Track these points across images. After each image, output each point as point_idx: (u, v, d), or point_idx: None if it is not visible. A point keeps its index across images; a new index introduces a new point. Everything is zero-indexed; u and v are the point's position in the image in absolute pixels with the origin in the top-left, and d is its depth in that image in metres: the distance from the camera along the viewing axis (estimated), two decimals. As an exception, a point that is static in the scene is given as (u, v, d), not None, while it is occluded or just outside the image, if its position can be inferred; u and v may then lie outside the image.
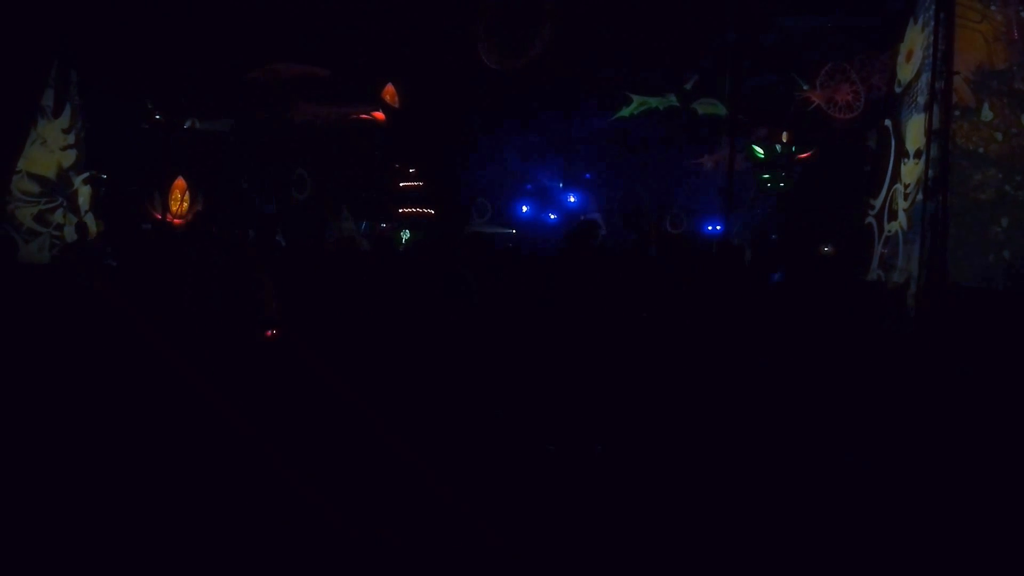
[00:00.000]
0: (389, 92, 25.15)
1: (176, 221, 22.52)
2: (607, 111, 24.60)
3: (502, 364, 6.99)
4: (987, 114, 9.15)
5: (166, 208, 22.70)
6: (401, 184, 25.69)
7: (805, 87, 22.57)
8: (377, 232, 23.48)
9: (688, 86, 23.80)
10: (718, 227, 22.12)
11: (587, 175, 25.50)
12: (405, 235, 23.77)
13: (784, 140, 23.22)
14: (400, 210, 25.41)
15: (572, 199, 25.35)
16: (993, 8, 9.29)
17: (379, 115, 25.17)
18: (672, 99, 24.00)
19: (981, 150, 9.08)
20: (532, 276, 8.84)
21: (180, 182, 23.28)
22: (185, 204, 23.39)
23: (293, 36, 22.10)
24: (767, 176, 23.18)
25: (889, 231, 9.39)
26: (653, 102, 24.22)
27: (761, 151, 23.41)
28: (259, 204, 24.32)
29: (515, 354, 7.03)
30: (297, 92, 24.07)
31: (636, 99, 24.33)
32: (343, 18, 21.59)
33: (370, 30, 22.00)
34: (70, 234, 14.93)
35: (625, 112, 24.51)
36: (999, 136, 9.11)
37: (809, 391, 6.00)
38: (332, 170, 24.84)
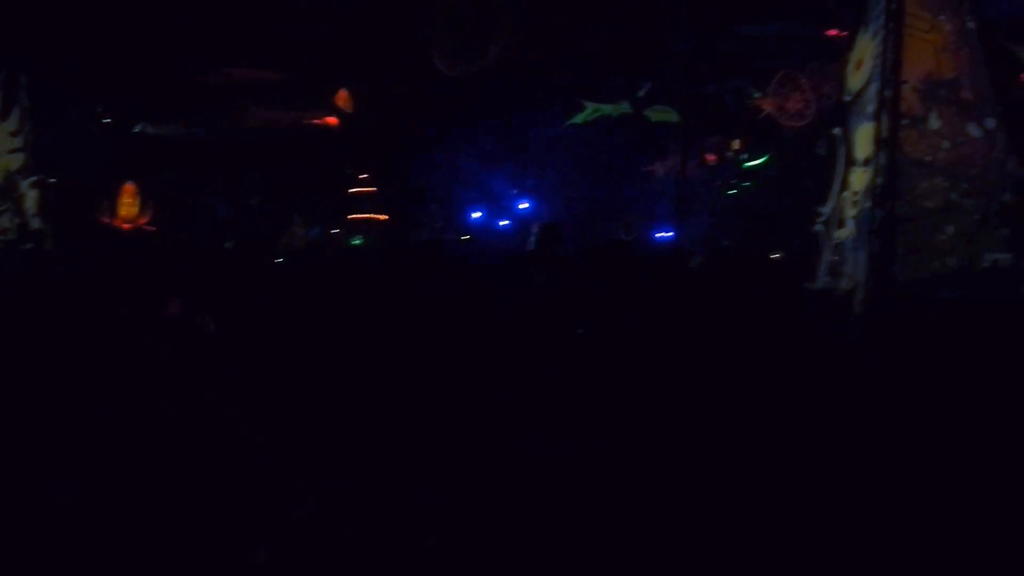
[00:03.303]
0: (343, 97, 25.09)
1: (125, 226, 22.33)
2: (561, 118, 24.66)
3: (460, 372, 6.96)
4: (934, 123, 9.25)
5: (115, 213, 22.51)
6: (353, 190, 25.62)
7: (757, 95, 22.74)
8: (326, 238, 23.41)
9: (641, 93, 23.90)
10: (670, 234, 22.21)
11: (540, 181, 25.54)
12: (356, 241, 23.71)
13: (735, 147, 23.39)
14: (352, 216, 25.34)
15: (525, 205, 25.38)
16: (942, 18, 9.39)
17: (332, 120, 25.09)
18: (625, 106, 24.09)
19: (928, 158, 9.17)
20: (486, 283, 8.84)
21: (130, 187, 23.08)
22: (135, 209, 23.19)
23: (246, 40, 21.96)
24: (719, 183, 23.30)
25: (837, 238, 9.46)
26: (606, 109, 24.31)
27: (714, 157, 23.55)
28: (212, 209, 24.16)
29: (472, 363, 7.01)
30: (250, 96, 23.95)
31: (589, 106, 24.41)
32: (297, 22, 21.49)
33: (324, 35, 21.91)
34: (16, 238, 14.73)
35: (578, 119, 24.58)
36: (946, 145, 9.21)
37: (755, 397, 6.02)
38: (285, 175, 24.73)
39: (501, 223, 25.61)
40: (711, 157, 23.83)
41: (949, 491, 5.14)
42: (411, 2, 20.96)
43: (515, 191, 25.76)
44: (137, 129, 24.09)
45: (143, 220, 23.16)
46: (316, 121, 25.25)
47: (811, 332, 7.49)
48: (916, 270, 8.91)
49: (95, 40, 19.48)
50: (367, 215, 25.28)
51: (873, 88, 8.95)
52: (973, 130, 9.22)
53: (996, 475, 5.25)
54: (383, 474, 5.64)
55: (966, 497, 5.07)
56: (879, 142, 8.66)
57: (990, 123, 9.21)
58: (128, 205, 23.02)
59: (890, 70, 8.69)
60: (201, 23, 20.56)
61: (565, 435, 6.07)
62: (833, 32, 19.60)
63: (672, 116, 23.65)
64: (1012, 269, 8.89)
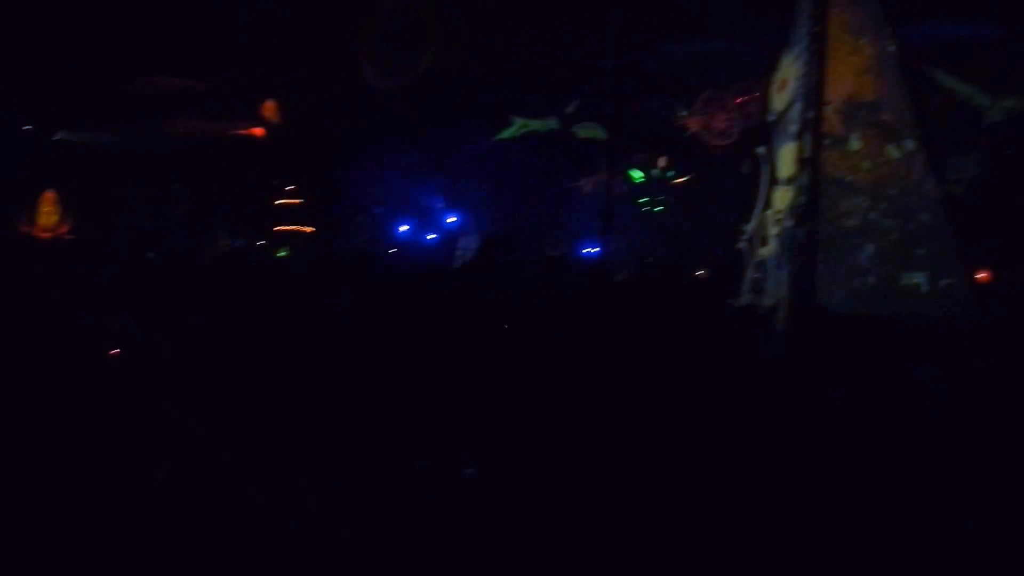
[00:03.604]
0: (269, 108, 24.90)
1: (44, 235, 21.93)
2: (489, 133, 24.71)
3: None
4: (855, 144, 9.41)
5: (34, 222, 22.11)
6: (279, 201, 25.41)
7: (683, 113, 22.99)
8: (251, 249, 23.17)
9: (569, 109, 24.03)
10: (595, 250, 22.33)
11: (468, 196, 25.55)
12: (282, 253, 23.49)
13: (661, 165, 23.63)
14: (278, 227, 25.12)
15: (452, 219, 25.37)
16: (863, 42, 9.56)
17: (258, 131, 24.88)
18: (553, 122, 24.21)
19: (849, 178, 9.33)
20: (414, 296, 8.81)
21: (49, 195, 22.67)
22: (54, 218, 22.78)
23: (172, 49, 21.72)
24: (644, 200, 23.52)
25: (760, 256, 9.57)
26: (534, 124, 24.40)
27: (639, 174, 23.76)
28: (133, 219, 23.80)
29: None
30: (175, 105, 23.66)
31: (517, 121, 24.49)
32: (223, 32, 21.31)
33: (251, 45, 21.75)
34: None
35: (506, 134, 24.65)
36: (866, 165, 9.38)
37: (677, 411, 6.07)
38: (209, 185, 24.46)
39: (428, 236, 25.57)
40: (637, 174, 24.01)
41: (863, 499, 5.23)
42: (340, 14, 20.89)
43: (442, 205, 25.74)
44: (58, 137, 23.66)
45: (63, 229, 22.76)
46: (242, 131, 25.02)
47: (734, 348, 7.57)
48: (837, 288, 9.04)
49: (16, 46, 19.15)
50: (293, 227, 25.08)
51: (796, 109, 9.09)
52: (893, 151, 9.39)
53: (909, 484, 5.36)
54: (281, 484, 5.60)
55: (879, 504, 5.16)
56: (801, 162, 8.79)
57: (909, 144, 9.38)
58: (48, 214, 22.60)
59: (813, 91, 8.84)
60: (125, 31, 20.31)
61: (494, 443, 6.08)
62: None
63: (599, 133, 23.82)
64: (929, 289, 9.06)
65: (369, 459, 5.95)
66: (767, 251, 9.45)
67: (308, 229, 25.21)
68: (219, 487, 5.56)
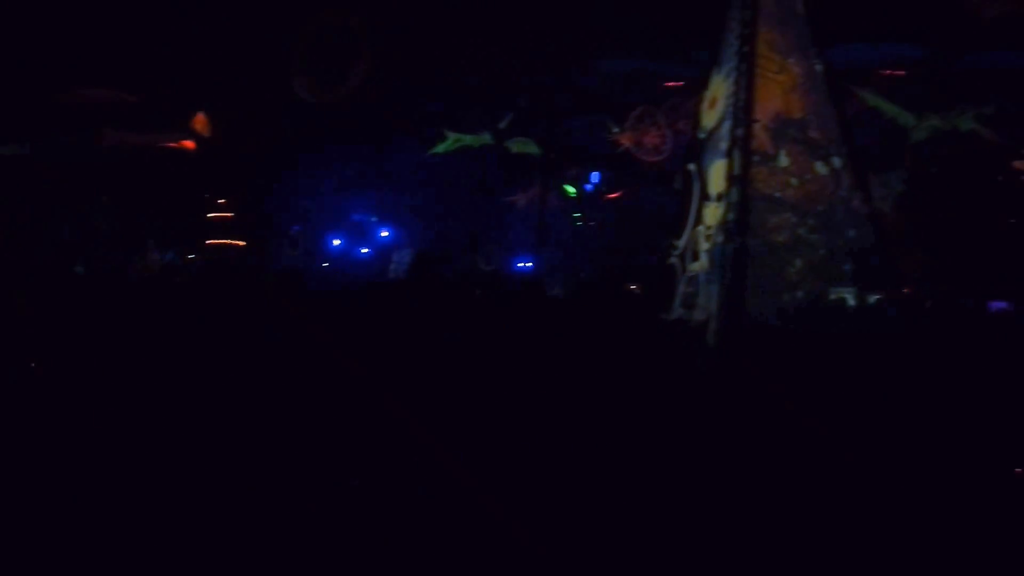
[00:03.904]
0: (200, 120, 24.68)
1: (-31, 247, 21.52)
2: (422, 147, 24.73)
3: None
4: (784, 160, 9.56)
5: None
6: (211, 215, 25.19)
7: (615, 129, 23.19)
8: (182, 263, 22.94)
9: (503, 125, 24.14)
10: (529, 264, 22.42)
11: (402, 210, 25.53)
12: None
13: (594, 181, 23.81)
14: (209, 241, 24.89)
15: (385, 234, 25.32)
16: (791, 61, 9.73)
17: (189, 144, 24.66)
18: (487, 137, 24.30)
19: (778, 194, 9.48)
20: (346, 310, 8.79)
21: (-26, 207, 22.27)
22: (-21, 230, 22.37)
23: (102, 60, 21.47)
24: (578, 214, 23.69)
25: (692, 271, 9.66)
26: (468, 139, 24.48)
27: (572, 189, 23.92)
28: (57, 231, 23.44)
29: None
30: (104, 117, 23.37)
31: (451, 136, 24.55)
32: (154, 44, 21.11)
33: (182, 57, 21.57)
34: None
35: (440, 148, 24.70)
36: (794, 181, 9.53)
37: (607, 426, 6.12)
38: (139, 198, 24.17)
39: (362, 251, 25.49)
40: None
41: (793, 514, 5.32)
42: (273, 27, 20.80)
43: (376, 219, 25.68)
44: (-16, 148, 23.27)
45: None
46: (172, 144, 24.78)
47: (665, 362, 7.65)
48: (767, 303, 9.17)
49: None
50: (224, 240, 24.87)
51: (726, 126, 9.20)
52: (820, 168, 9.56)
53: (837, 498, 5.46)
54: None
55: (809, 519, 5.25)
56: (731, 178, 8.91)
57: (836, 162, 9.55)
58: (-28, 226, 22.22)
59: (742, 109, 8.96)
60: (54, 42, 20.04)
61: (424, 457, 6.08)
62: (670, 84, 20.25)
63: (532, 148, 23.96)
64: (856, 304, 9.23)
65: (296, 478, 5.91)
66: (698, 266, 9.54)
67: (239, 243, 25.02)
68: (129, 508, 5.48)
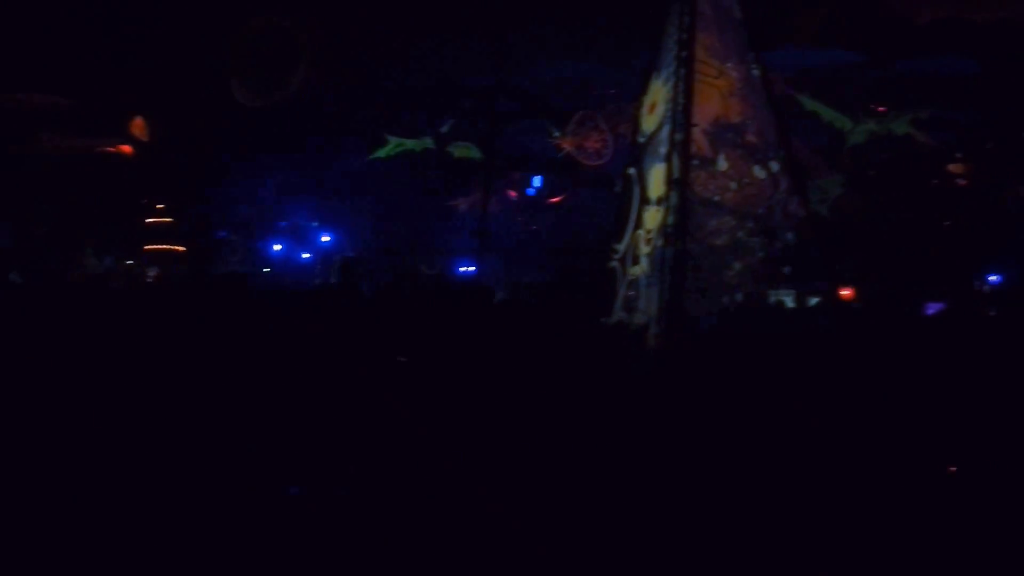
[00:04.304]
0: (138, 125, 24.42)
1: None
2: (364, 151, 24.66)
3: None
4: (722, 164, 9.62)
5: None
6: (149, 220, 24.92)
7: (557, 134, 23.27)
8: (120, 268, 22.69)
9: (444, 129, 24.14)
10: (472, 268, 22.41)
11: (343, 214, 25.43)
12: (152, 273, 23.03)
13: (536, 185, 23.88)
14: (148, 247, 24.62)
15: (327, 238, 25.21)
16: (728, 65, 9.80)
17: (126, 148, 24.39)
18: (428, 141, 24.31)
19: (717, 198, 9.54)
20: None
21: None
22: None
23: (36, 64, 21.17)
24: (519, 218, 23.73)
25: (632, 274, 9.69)
26: (409, 144, 24.46)
27: (515, 193, 23.95)
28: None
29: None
30: (40, 122, 23.06)
31: (392, 140, 24.51)
32: (90, 47, 20.86)
33: (119, 60, 21.33)
34: None
35: (381, 153, 24.65)
36: (733, 185, 9.60)
37: (549, 428, 6.14)
38: (76, 204, 23.85)
39: (303, 255, 25.35)
40: (512, 193, 24.24)
41: (730, 512, 5.37)
42: (210, 31, 20.63)
43: (317, 223, 25.55)
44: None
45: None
46: (109, 149, 24.50)
47: (606, 365, 7.68)
48: (706, 306, 9.23)
49: None
50: (164, 246, 24.62)
51: (665, 130, 9.27)
52: (758, 172, 9.64)
53: (772, 496, 5.52)
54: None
55: (744, 518, 5.30)
56: (671, 182, 8.98)
57: (774, 166, 9.64)
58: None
59: (681, 114, 9.04)
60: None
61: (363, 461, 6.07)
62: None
63: (474, 152, 23.98)
64: (795, 305, 9.33)
65: (235, 484, 5.87)
66: (638, 270, 9.59)
67: (179, 248, 24.79)
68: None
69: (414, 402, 6.77)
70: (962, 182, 23.53)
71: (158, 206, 25.20)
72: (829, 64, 23.46)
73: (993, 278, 20.89)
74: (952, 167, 23.56)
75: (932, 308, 12.56)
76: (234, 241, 25.62)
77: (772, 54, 12.64)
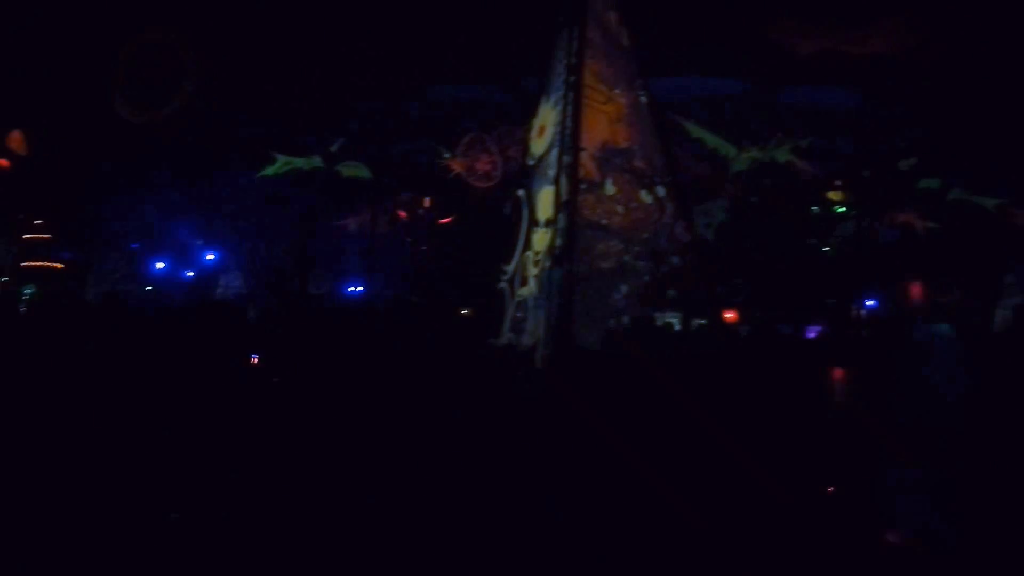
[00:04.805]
0: (15, 139, 23.78)
1: None
2: (251, 169, 24.40)
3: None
4: (610, 188, 9.75)
5: None
6: (26, 236, 24.26)
7: (447, 155, 23.33)
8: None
9: (333, 148, 24.02)
10: (360, 288, 22.29)
11: (228, 232, 25.07)
12: (29, 290, 22.36)
13: (426, 205, 23.88)
14: (25, 264, 23.95)
15: (211, 257, 24.82)
16: (617, 91, 9.94)
17: (3, 162, 23.73)
18: (317, 160, 24.15)
19: (604, 221, 9.66)
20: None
21: None
22: None
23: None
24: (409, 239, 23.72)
25: (520, 296, 9.74)
26: (298, 162, 24.27)
27: (406, 214, 23.91)
28: None
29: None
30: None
31: (281, 159, 24.30)
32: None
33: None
34: None
35: (269, 171, 24.41)
36: (620, 209, 9.73)
37: (437, 447, 6.13)
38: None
39: (187, 273, 24.92)
40: (402, 214, 24.20)
41: (613, 534, 5.44)
42: (93, 44, 20.22)
43: (201, 242, 25.13)
44: None
45: None
46: (-14, 163, 23.84)
47: (494, 385, 7.69)
48: (593, 328, 9.30)
49: None
50: (41, 263, 23.98)
51: (554, 154, 9.35)
52: (645, 196, 9.79)
53: (656, 515, 5.62)
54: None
55: (630, 537, 5.38)
56: (559, 205, 9.05)
57: (661, 191, 9.79)
58: None
59: (569, 137, 9.13)
60: None
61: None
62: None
63: (363, 172, 23.90)
64: (680, 328, 9.47)
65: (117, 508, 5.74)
66: (527, 291, 9.64)
67: (58, 266, 24.19)
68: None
69: (288, 424, 6.70)
70: (840, 209, 24.19)
71: (36, 222, 24.56)
72: (715, 92, 24.00)
73: (869, 302, 21.49)
74: (831, 194, 24.20)
75: (811, 332, 12.87)
76: (114, 258, 25.08)
77: (661, 81, 12.83)
